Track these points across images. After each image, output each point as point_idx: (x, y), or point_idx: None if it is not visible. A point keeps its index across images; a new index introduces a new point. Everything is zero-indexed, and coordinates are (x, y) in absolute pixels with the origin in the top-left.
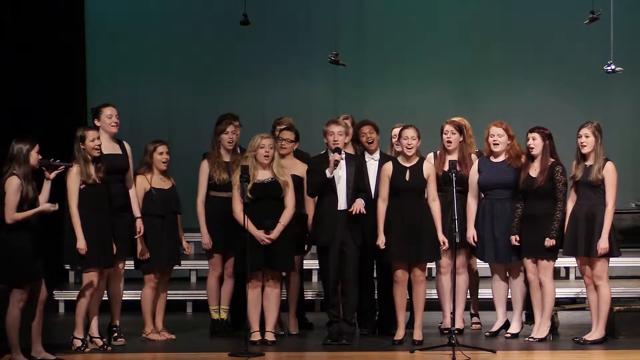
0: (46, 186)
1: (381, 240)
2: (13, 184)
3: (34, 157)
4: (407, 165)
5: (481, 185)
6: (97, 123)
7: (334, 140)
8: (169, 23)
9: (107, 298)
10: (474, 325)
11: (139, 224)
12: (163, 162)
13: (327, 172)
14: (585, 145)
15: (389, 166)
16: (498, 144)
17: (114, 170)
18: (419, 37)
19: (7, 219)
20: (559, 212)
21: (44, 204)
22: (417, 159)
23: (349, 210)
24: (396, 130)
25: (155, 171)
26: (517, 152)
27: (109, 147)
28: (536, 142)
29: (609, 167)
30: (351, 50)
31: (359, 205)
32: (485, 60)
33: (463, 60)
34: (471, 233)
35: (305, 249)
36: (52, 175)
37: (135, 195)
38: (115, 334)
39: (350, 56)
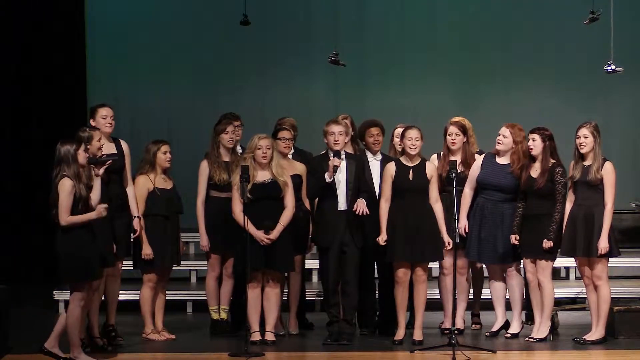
0: (97, 183)
1: (382, 238)
2: (66, 185)
3: (82, 155)
4: (410, 165)
5: (479, 182)
6: (92, 123)
7: (335, 140)
8: (169, 23)
9: (102, 298)
10: (474, 326)
11: (136, 223)
12: (167, 162)
13: (326, 176)
14: (585, 146)
15: (391, 166)
16: (501, 144)
17: (110, 170)
18: (419, 37)
19: (62, 221)
20: (557, 213)
21: (98, 208)
22: (420, 159)
23: (353, 209)
24: (398, 131)
25: (158, 171)
26: (519, 157)
27: (105, 147)
28: (536, 144)
29: (608, 167)
30: (351, 50)
31: (362, 205)
32: (485, 60)
33: (463, 60)
34: (462, 223)
35: (309, 248)
36: (101, 171)
37: (134, 195)
38: (113, 334)
39: (350, 56)
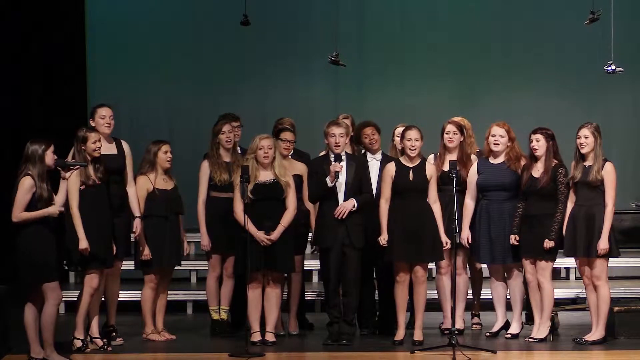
0: (62, 186)
1: (383, 238)
2: (25, 184)
3: (50, 157)
4: (410, 165)
5: (480, 186)
6: (92, 123)
7: (336, 143)
8: (169, 23)
9: (102, 298)
10: (474, 326)
11: (137, 223)
12: (168, 161)
13: (328, 181)
14: (585, 146)
15: (391, 166)
16: (498, 144)
17: (109, 170)
18: (419, 37)
19: (13, 217)
20: (559, 214)
21: (50, 208)
22: (420, 159)
23: (334, 213)
24: (399, 130)
25: (158, 171)
26: (516, 154)
27: (105, 148)
28: (540, 144)
29: (608, 167)
30: (351, 50)
31: (343, 209)
32: (485, 60)
33: (463, 60)
34: (465, 234)
35: (311, 248)
36: (68, 175)
37: (135, 195)
38: (114, 334)
39: (350, 56)
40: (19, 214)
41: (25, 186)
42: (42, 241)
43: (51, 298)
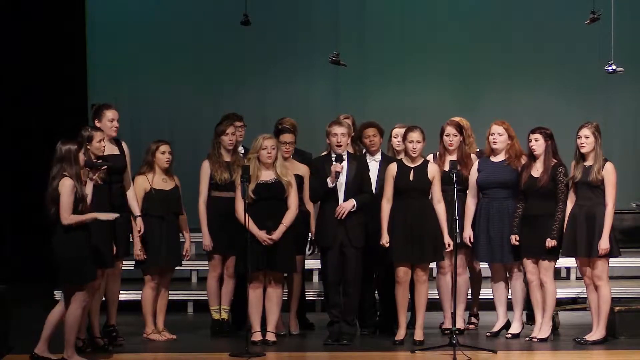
0: (89, 186)
1: (385, 239)
2: (67, 185)
3: (81, 157)
4: (412, 165)
5: (480, 184)
6: (97, 123)
7: (338, 142)
8: (169, 23)
9: (102, 298)
10: (470, 325)
11: (140, 222)
12: (166, 162)
13: (329, 181)
14: (585, 146)
15: (393, 167)
16: (497, 142)
17: (112, 170)
18: (419, 37)
19: (64, 221)
20: (559, 213)
21: (102, 213)
22: (422, 160)
23: (333, 213)
24: (396, 130)
25: (157, 171)
26: (517, 152)
27: (108, 148)
28: (539, 143)
29: (609, 167)
30: (351, 50)
31: (342, 209)
32: (485, 60)
33: (463, 60)
34: (467, 233)
35: (309, 250)
36: (95, 175)
37: (134, 195)
38: (114, 334)
39: (350, 56)
40: (70, 216)
41: (67, 188)
42: (80, 242)
43: (79, 300)
